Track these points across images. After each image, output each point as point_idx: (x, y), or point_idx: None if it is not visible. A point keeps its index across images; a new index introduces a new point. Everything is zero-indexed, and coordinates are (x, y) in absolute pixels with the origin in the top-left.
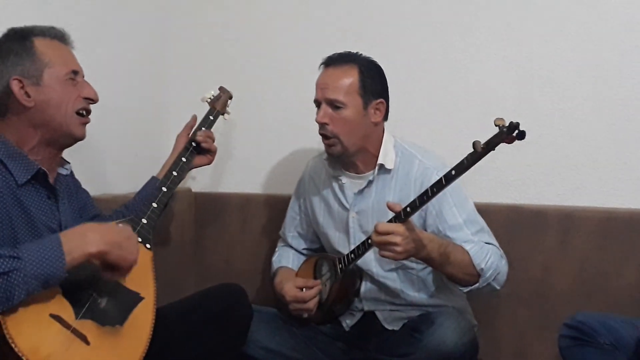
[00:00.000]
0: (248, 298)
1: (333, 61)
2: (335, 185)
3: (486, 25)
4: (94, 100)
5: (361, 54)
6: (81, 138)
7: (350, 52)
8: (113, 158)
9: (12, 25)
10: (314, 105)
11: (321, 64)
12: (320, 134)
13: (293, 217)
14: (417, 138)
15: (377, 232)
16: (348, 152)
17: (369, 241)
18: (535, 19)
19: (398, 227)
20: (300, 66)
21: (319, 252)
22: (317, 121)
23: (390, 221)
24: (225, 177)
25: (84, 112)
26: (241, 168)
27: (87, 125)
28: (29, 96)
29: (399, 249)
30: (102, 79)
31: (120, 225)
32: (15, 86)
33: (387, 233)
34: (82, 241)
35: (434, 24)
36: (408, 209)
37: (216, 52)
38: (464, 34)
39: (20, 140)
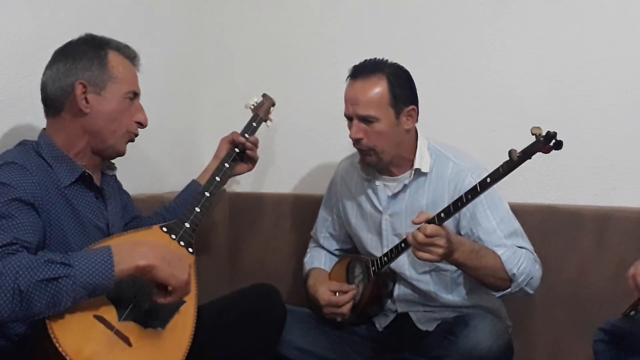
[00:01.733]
0: (282, 298)
1: (360, 72)
2: (368, 188)
3: (518, 24)
4: (143, 126)
5: (387, 61)
6: (122, 154)
7: (376, 59)
8: (146, 158)
9: (46, 29)
10: (344, 105)
11: (351, 77)
12: (358, 149)
13: (325, 218)
14: (448, 139)
15: (426, 234)
16: (383, 162)
17: (403, 244)
18: (568, 18)
19: (441, 230)
20: (331, 68)
21: (351, 252)
22: (351, 137)
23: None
24: (259, 177)
25: (132, 135)
26: (275, 168)
27: None
28: (87, 102)
29: (440, 251)
30: None
31: (172, 244)
32: (78, 89)
33: (435, 235)
34: (132, 253)
35: (465, 23)
36: (442, 215)
37: (249, 53)
38: (496, 34)
39: (68, 144)
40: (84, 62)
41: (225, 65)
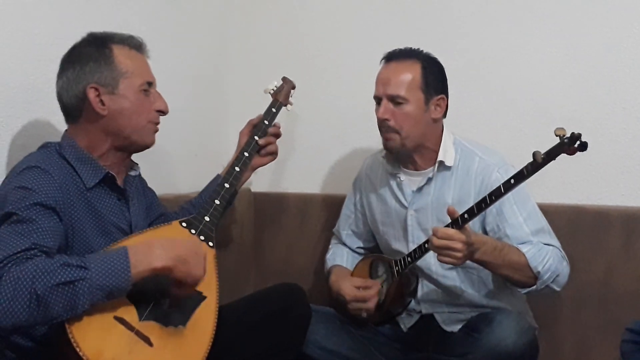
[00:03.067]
0: (306, 297)
1: (395, 56)
2: (393, 183)
3: (545, 24)
4: (164, 113)
5: (422, 50)
6: (151, 145)
7: (412, 47)
8: (173, 158)
9: (69, 30)
10: (372, 106)
11: (382, 59)
12: (380, 129)
13: (348, 215)
14: (474, 136)
15: (437, 236)
16: (405, 148)
17: (426, 245)
18: (596, 16)
19: (457, 233)
20: (360, 65)
21: (373, 251)
22: (378, 117)
23: (447, 227)
24: (284, 177)
25: (155, 124)
26: (300, 168)
27: None
28: (103, 104)
29: (459, 254)
30: (160, 78)
31: (190, 239)
32: (91, 94)
33: (447, 238)
34: (148, 255)
35: (493, 21)
36: (466, 216)
37: (275, 52)
38: (524, 32)
39: (91, 146)
40: (90, 65)
41: (251, 63)
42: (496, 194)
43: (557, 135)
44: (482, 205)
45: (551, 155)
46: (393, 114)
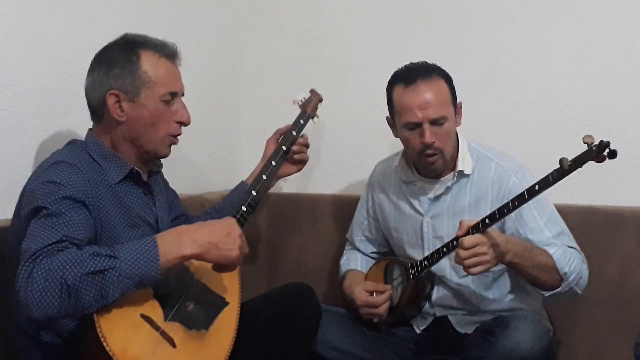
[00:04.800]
0: (316, 296)
1: (418, 75)
2: (408, 191)
3: (559, 23)
4: (186, 124)
5: (428, 62)
6: (165, 157)
7: (425, 62)
8: (187, 159)
9: (87, 31)
10: (382, 106)
11: (406, 82)
12: (422, 153)
13: (361, 222)
14: (488, 140)
15: (464, 247)
16: (446, 162)
17: (444, 249)
18: (610, 17)
19: (481, 238)
20: (370, 70)
21: (387, 255)
22: (426, 143)
23: (467, 233)
24: (297, 178)
25: (174, 137)
26: (313, 169)
27: None
28: (122, 111)
29: (487, 257)
30: None
31: (223, 220)
32: (110, 100)
33: (474, 246)
34: (177, 243)
35: (506, 22)
36: (487, 221)
37: (290, 54)
38: (537, 33)
39: (114, 146)
40: (115, 70)
41: (267, 66)
42: (520, 200)
43: (585, 143)
44: (504, 211)
45: (578, 162)
46: (436, 135)
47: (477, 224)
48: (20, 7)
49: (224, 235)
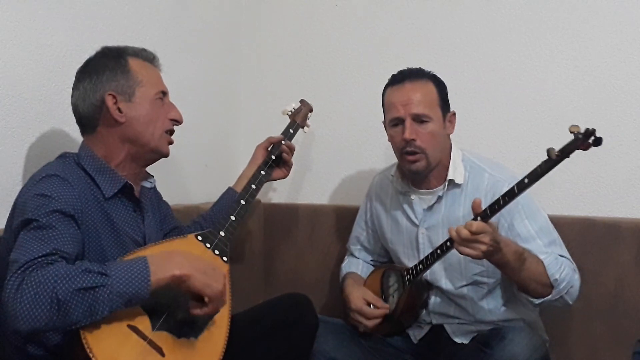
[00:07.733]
0: (313, 307)
1: (405, 77)
2: (404, 202)
3: (557, 32)
4: (179, 122)
5: (424, 69)
6: (166, 155)
7: (419, 68)
8: (183, 168)
9: (85, 42)
10: (378, 117)
11: (394, 83)
12: (403, 151)
13: (359, 233)
14: (484, 149)
15: (472, 231)
16: (430, 167)
17: (438, 252)
18: (606, 28)
19: (488, 227)
20: (367, 79)
21: (387, 263)
22: (405, 138)
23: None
24: (294, 187)
25: (169, 132)
26: (310, 179)
27: None
28: (121, 112)
29: (484, 247)
30: (172, 89)
31: (208, 257)
32: (109, 101)
33: (481, 232)
34: (168, 263)
35: (503, 31)
36: (488, 211)
37: (285, 63)
38: (534, 42)
39: (108, 155)
40: (107, 74)
41: (264, 77)
42: (509, 195)
43: (571, 132)
44: (505, 199)
45: (565, 151)
46: (418, 133)
47: (485, 210)
48: (18, 18)
49: (211, 267)
